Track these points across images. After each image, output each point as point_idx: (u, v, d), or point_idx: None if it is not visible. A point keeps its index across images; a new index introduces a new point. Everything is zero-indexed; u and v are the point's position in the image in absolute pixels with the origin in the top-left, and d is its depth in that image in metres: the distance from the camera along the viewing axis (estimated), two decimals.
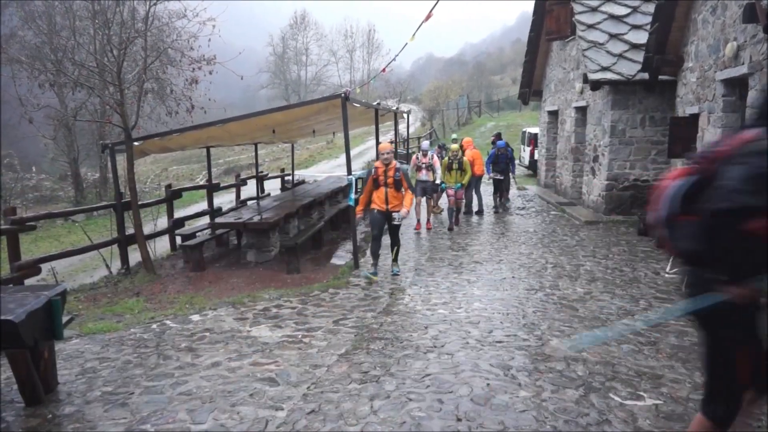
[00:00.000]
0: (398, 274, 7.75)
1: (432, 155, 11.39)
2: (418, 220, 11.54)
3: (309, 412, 3.70)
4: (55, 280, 9.42)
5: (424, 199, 11.64)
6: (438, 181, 11.36)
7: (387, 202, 7.46)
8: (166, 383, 4.23)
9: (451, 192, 11.36)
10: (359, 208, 7.67)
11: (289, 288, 7.70)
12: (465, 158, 11.29)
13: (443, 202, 13.51)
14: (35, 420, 3.66)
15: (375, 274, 7.58)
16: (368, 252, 8.61)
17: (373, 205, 7.55)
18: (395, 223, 7.49)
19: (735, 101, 8.50)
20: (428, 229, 11.50)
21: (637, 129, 11.94)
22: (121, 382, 4.29)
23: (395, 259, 7.89)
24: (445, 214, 12.80)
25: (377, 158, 8.25)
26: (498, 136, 15.23)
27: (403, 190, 7.41)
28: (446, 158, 11.32)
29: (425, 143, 11.89)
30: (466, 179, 11.39)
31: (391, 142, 13.19)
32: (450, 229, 11.27)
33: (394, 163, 7.41)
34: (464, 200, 12.21)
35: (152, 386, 4.19)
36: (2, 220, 7.64)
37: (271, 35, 67.54)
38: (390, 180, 7.40)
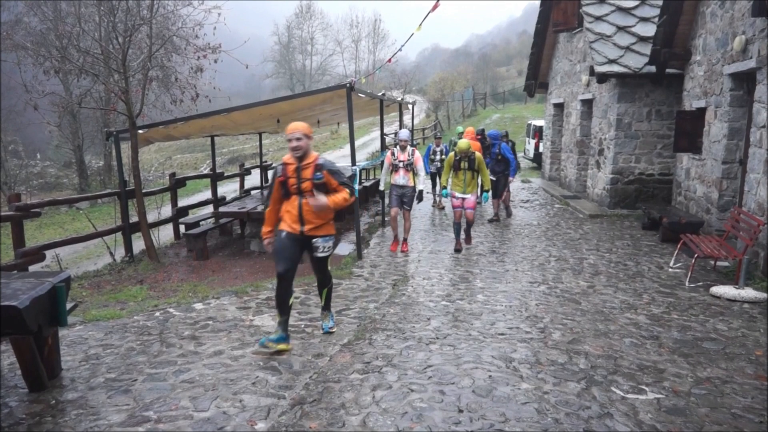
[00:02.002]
0: (333, 330, 5.13)
1: (412, 150, 8.69)
2: (395, 237, 8.97)
3: (311, 401, 3.71)
4: (59, 266, 9.47)
5: (401, 212, 8.82)
6: (420, 187, 8.68)
7: (302, 219, 4.69)
8: (169, 371, 4.25)
9: (457, 202, 8.57)
10: (265, 229, 4.97)
11: None
12: (479, 156, 8.45)
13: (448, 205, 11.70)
14: (39, 405, 3.68)
15: (282, 339, 4.62)
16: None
17: (282, 225, 4.81)
18: (319, 255, 4.81)
19: (742, 95, 8.44)
20: (403, 251, 8.76)
21: (643, 122, 11.87)
22: (125, 369, 4.31)
23: (326, 307, 5.19)
24: (440, 211, 11.64)
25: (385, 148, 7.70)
26: (482, 133, 13.58)
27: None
28: (452, 153, 8.55)
29: (403, 132, 8.89)
30: (486, 183, 8.63)
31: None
32: (457, 250, 8.70)
33: (314, 155, 4.70)
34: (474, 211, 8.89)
35: (155, 373, 4.21)
36: (7, 206, 7.65)
37: (276, 24, 67.36)
38: (307, 184, 4.62)
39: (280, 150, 37.22)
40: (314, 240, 4.78)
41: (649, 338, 4.93)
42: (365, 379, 4.04)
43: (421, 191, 8.67)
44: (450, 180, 8.68)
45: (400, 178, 8.65)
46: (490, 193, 8.91)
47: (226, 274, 8.47)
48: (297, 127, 4.62)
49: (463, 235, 8.98)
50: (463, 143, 8.34)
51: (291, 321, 5.48)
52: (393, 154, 8.74)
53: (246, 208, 9.71)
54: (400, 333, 5.07)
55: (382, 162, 8.95)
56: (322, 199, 4.61)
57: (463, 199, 8.54)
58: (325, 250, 4.84)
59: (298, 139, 4.58)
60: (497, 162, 11.20)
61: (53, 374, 4.08)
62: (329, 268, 5.06)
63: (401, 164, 8.62)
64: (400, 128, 17.04)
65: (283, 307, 4.71)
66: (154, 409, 3.62)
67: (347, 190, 4.69)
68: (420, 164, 8.62)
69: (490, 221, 11.31)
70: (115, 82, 9.69)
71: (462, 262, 8.07)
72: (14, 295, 3.42)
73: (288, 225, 4.77)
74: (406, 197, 8.66)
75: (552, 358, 4.44)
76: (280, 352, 4.58)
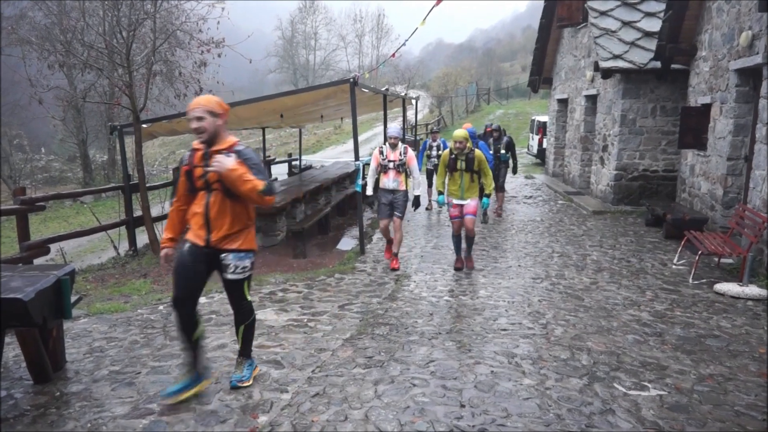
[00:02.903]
0: (241, 384, 3.80)
1: (404, 148, 7.34)
2: (389, 241, 7.65)
3: (314, 395, 3.72)
4: (63, 260, 9.50)
5: (392, 222, 7.44)
6: (417, 192, 7.46)
7: (208, 224, 3.58)
8: (173, 364, 4.26)
9: (455, 211, 7.13)
10: (165, 236, 3.80)
11: (295, 272, 7.73)
12: (478, 153, 6.99)
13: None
14: (43, 397, 3.70)
15: (188, 386, 3.63)
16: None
17: (188, 234, 3.68)
18: (230, 276, 3.67)
19: (748, 91, 8.40)
20: (393, 268, 7.40)
21: (648, 118, 11.83)
22: (128, 361, 4.33)
23: (244, 352, 3.93)
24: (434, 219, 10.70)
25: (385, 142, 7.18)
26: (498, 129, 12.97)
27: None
28: (446, 150, 7.16)
29: (393, 127, 7.59)
30: (489, 188, 7.15)
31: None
32: (457, 268, 7.31)
33: (230, 140, 3.63)
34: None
35: (159, 366, 4.23)
36: (12, 200, 7.68)
37: (279, 19, 67.21)
38: (215, 176, 3.50)
39: (283, 145, 37.25)
40: (224, 255, 3.62)
41: (652, 335, 4.93)
42: (368, 374, 4.05)
43: (417, 197, 7.48)
44: (446, 184, 7.29)
45: (390, 180, 7.30)
46: (490, 198, 7.50)
47: None
48: (198, 102, 3.53)
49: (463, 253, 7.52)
50: (458, 132, 7.00)
51: (293, 316, 5.50)
52: (381, 152, 7.36)
53: None
54: (402, 328, 5.08)
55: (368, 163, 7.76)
56: (228, 161, 3.41)
57: (462, 205, 7.12)
58: (239, 270, 3.65)
59: (199, 118, 3.47)
60: None
61: (58, 366, 4.10)
62: (248, 297, 3.81)
63: (391, 165, 7.27)
64: (404, 124, 17.00)
65: (185, 342, 3.66)
66: (157, 401, 3.63)
67: (263, 183, 3.47)
68: (414, 164, 7.37)
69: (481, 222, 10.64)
70: (119, 76, 9.71)
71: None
72: (19, 288, 3.43)
73: (193, 233, 3.61)
74: (397, 203, 7.34)
75: (554, 354, 4.44)
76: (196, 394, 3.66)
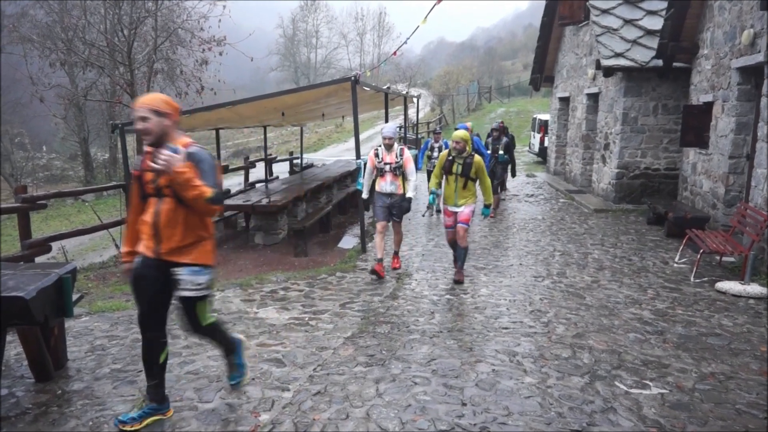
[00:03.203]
0: (241, 380, 3.68)
1: (401, 150, 6.95)
2: (379, 260, 6.95)
3: (315, 393, 3.73)
4: (65, 258, 9.51)
5: (386, 226, 7.10)
6: (410, 194, 6.88)
7: (158, 236, 3.20)
8: (174, 362, 4.27)
9: (449, 220, 6.66)
10: (124, 250, 3.46)
11: (296, 271, 7.73)
12: (477, 159, 6.44)
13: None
14: (45, 395, 3.71)
15: (148, 413, 3.32)
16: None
17: (140, 245, 3.30)
18: (183, 293, 3.21)
19: (750, 90, 8.38)
20: (395, 267, 7.35)
21: (650, 117, 11.81)
22: (130, 359, 4.34)
23: (227, 350, 3.58)
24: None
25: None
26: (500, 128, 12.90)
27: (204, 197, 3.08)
28: (445, 151, 6.68)
29: (387, 127, 7.03)
30: (488, 196, 6.62)
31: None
32: (457, 281, 6.65)
33: (183, 141, 3.27)
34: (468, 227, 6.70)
35: None
36: (13, 198, 7.69)
37: (281, 17, 67.23)
38: (165, 186, 3.15)
39: (285, 143, 37.25)
40: (176, 270, 3.19)
41: (654, 333, 4.93)
42: (369, 372, 4.05)
43: (409, 199, 6.90)
44: (443, 186, 6.78)
45: (387, 184, 6.93)
46: (488, 206, 6.74)
47: (230, 267, 8.49)
48: (142, 101, 3.17)
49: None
50: (458, 132, 6.48)
51: (295, 314, 5.51)
52: (377, 155, 6.95)
53: (251, 201, 9.72)
54: (403, 326, 5.08)
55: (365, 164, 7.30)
56: (175, 160, 2.99)
57: (455, 213, 6.58)
58: (194, 287, 3.20)
59: (143, 118, 3.13)
60: None
61: (59, 365, 4.11)
62: (208, 320, 3.33)
63: (388, 168, 6.89)
64: (405, 122, 16.96)
65: (150, 367, 3.34)
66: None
67: (211, 191, 3.07)
68: (410, 167, 6.90)
69: None
70: (120, 74, 9.72)
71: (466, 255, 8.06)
72: (21, 286, 3.43)
73: (143, 244, 3.24)
74: (396, 207, 6.99)
75: (556, 352, 4.44)
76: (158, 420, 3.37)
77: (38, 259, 7.46)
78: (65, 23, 13.31)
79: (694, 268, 6.94)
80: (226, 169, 14.10)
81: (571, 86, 15.75)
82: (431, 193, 6.95)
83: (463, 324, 5.14)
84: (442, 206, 6.87)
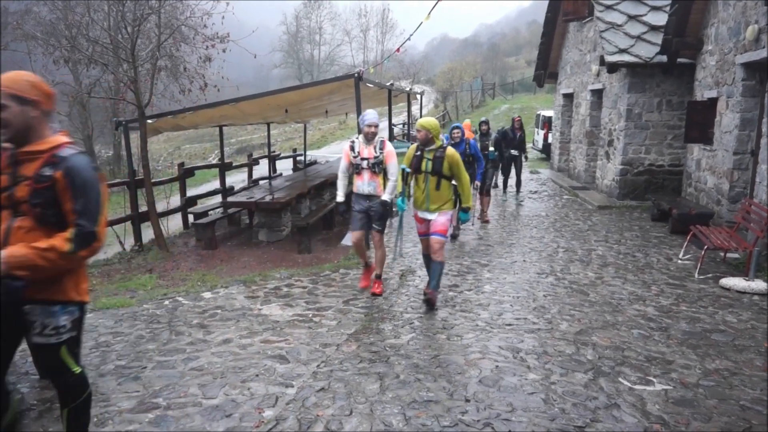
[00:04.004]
0: None
1: (381, 142, 5.80)
2: (365, 264, 6.24)
3: (318, 389, 3.73)
4: None
5: (362, 237, 6.00)
6: (386, 196, 5.76)
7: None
8: (178, 358, 4.28)
9: (421, 227, 5.60)
10: None
11: (300, 268, 7.75)
12: (450, 152, 5.32)
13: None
14: (50, 392, 3.72)
15: None
16: None
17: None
18: (36, 339, 2.50)
19: (755, 85, 8.34)
20: (376, 293, 5.98)
21: (654, 113, 11.77)
22: (134, 356, 4.35)
23: None
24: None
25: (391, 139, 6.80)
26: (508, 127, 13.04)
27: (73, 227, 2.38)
28: (413, 145, 5.56)
29: (369, 114, 5.81)
30: (467, 197, 5.46)
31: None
32: (429, 301, 5.43)
33: (54, 139, 2.48)
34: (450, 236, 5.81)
35: (164, 361, 4.25)
36: None
37: (284, 13, 67.24)
38: (22, 191, 2.40)
39: (288, 140, 37.26)
40: (27, 308, 2.45)
41: (658, 330, 4.92)
42: (372, 368, 4.06)
43: (384, 203, 5.77)
44: (413, 188, 5.58)
45: (365, 184, 5.80)
46: (470, 213, 5.89)
47: (234, 264, 8.51)
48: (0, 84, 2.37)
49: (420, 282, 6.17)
50: (425, 120, 5.36)
51: (298, 311, 5.51)
52: (353, 148, 5.81)
53: (254, 198, 9.74)
54: (407, 323, 5.08)
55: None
56: (16, 252, 2.29)
57: (427, 221, 5.48)
58: (49, 332, 2.47)
59: (1, 106, 2.36)
60: (464, 164, 8.49)
61: None
62: (72, 367, 2.58)
63: (365, 164, 5.74)
64: (408, 119, 16.90)
65: None
66: (163, 396, 3.66)
67: (73, 232, 2.36)
68: (392, 162, 5.75)
69: (453, 237, 8.69)
70: (124, 71, 9.72)
71: (469, 252, 8.06)
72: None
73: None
74: (375, 212, 5.82)
75: (559, 348, 4.44)
76: None
77: None
78: (69, 20, 13.32)
79: (699, 265, 6.92)
80: (229, 166, 14.11)
81: (575, 82, 15.70)
82: (399, 195, 5.68)
83: (466, 320, 5.14)
84: (413, 210, 5.70)
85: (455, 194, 5.63)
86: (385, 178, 5.82)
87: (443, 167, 5.29)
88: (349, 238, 5.86)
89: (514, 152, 12.88)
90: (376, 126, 5.77)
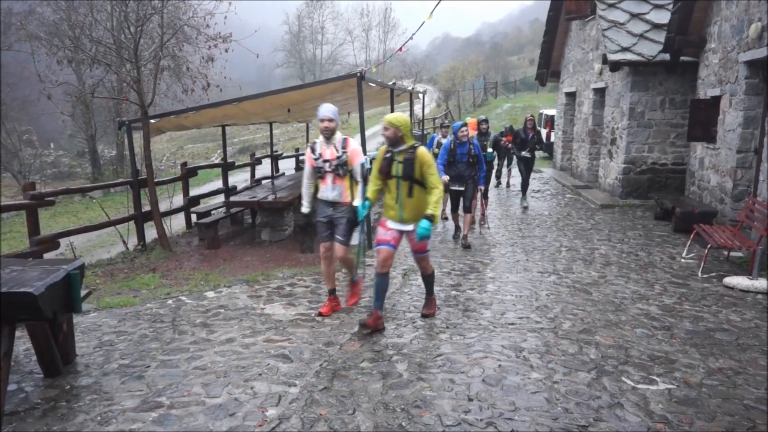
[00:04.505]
0: None
1: (344, 141, 5.07)
2: (331, 292, 5.42)
3: (321, 388, 3.74)
4: (73, 254, 9.56)
5: (330, 248, 5.32)
6: (357, 201, 5.06)
7: None
8: (182, 357, 4.29)
9: (386, 235, 4.80)
10: None
11: (302, 267, 7.75)
12: (421, 153, 4.63)
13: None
14: (54, 391, 3.74)
15: None
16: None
17: None
18: None
19: (758, 83, 8.32)
20: (351, 303, 5.60)
21: (657, 111, 11.74)
22: (138, 355, 4.36)
23: None
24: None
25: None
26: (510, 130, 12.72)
27: None
28: (382, 148, 4.84)
29: (324, 108, 5.05)
30: (435, 203, 4.56)
31: None
32: (368, 325, 4.70)
33: None
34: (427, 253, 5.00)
35: (168, 360, 4.25)
36: (22, 195, 7.74)
37: (286, 13, 67.28)
38: None
39: (290, 140, 37.29)
40: None
41: (661, 329, 4.91)
42: (375, 368, 4.06)
43: (354, 209, 5.05)
44: (384, 194, 4.91)
45: (329, 189, 5.11)
46: (436, 220, 4.58)
47: (237, 263, 8.52)
48: None
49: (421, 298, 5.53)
50: (393, 116, 4.70)
51: (301, 310, 5.52)
52: (313, 150, 5.13)
53: (257, 198, 9.74)
54: (410, 322, 5.08)
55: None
56: None
57: (401, 232, 4.80)
58: None
59: None
60: (467, 165, 8.13)
61: (68, 360, 4.13)
62: None
63: (327, 166, 5.05)
64: (411, 118, 16.88)
65: None
66: (166, 394, 3.66)
67: None
68: (359, 161, 5.07)
69: (465, 246, 8.22)
70: (127, 71, 9.74)
71: (472, 252, 8.05)
72: (30, 282, 3.46)
73: None
74: (338, 221, 5.14)
75: (562, 348, 4.43)
76: None
77: (47, 256, 7.51)
78: (72, 21, 13.36)
79: (702, 263, 6.91)
80: (232, 166, 14.12)
81: (578, 81, 15.68)
82: (366, 199, 4.91)
83: (469, 320, 5.13)
84: (383, 220, 4.93)
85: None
86: (353, 181, 5.12)
87: (414, 171, 4.64)
88: (353, 238, 5.29)
89: (526, 154, 11.86)
90: (331, 120, 5.00)
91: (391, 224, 4.82)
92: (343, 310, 5.48)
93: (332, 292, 5.43)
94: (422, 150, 4.67)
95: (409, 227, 4.76)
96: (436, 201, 4.58)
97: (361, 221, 5.05)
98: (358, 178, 5.11)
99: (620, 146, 12.16)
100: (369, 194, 4.91)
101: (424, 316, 5.15)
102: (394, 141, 4.68)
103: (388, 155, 4.74)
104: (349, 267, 5.48)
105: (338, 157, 5.03)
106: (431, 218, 4.51)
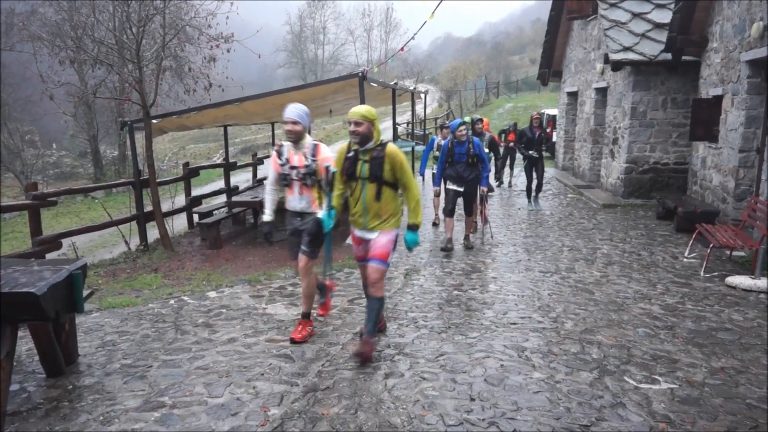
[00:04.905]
0: None
1: (314, 146, 4.54)
2: (305, 315, 4.78)
3: (324, 388, 3.74)
4: (75, 254, 9.58)
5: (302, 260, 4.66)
6: (320, 213, 4.46)
7: None
8: (184, 357, 4.30)
9: (359, 250, 4.44)
10: None
11: None
12: (391, 151, 4.06)
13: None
14: (56, 391, 3.75)
15: None
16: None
17: None
18: None
19: (760, 83, 8.30)
20: (321, 315, 5.27)
21: (659, 111, 11.73)
22: (140, 355, 4.37)
23: None
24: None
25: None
26: (514, 128, 13.00)
27: None
28: (344, 145, 4.23)
29: (290, 109, 4.48)
30: (415, 211, 4.16)
31: None
32: (361, 354, 4.11)
33: None
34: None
35: (170, 360, 4.26)
36: (24, 195, 7.76)
37: (288, 13, 67.32)
38: None
39: None
40: None
41: (663, 328, 4.90)
42: (377, 367, 4.06)
43: (319, 221, 4.45)
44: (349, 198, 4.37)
45: (296, 199, 4.62)
46: (415, 226, 4.18)
47: (239, 263, 8.53)
48: None
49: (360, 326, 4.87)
50: (363, 109, 4.08)
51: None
52: (280, 154, 4.60)
53: (259, 198, 9.75)
54: (412, 322, 5.09)
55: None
56: None
57: (365, 241, 4.30)
58: None
59: None
60: (467, 165, 7.82)
61: (70, 360, 4.14)
62: None
63: (294, 174, 4.53)
64: (413, 118, 16.86)
65: None
66: (169, 394, 3.67)
67: None
68: (327, 160, 4.45)
69: (467, 247, 8.10)
70: (129, 72, 9.76)
71: (473, 252, 8.05)
72: (32, 282, 3.46)
73: None
74: (308, 232, 4.58)
75: (564, 347, 4.43)
76: None
77: (49, 256, 7.52)
78: (74, 21, 13.40)
79: (704, 263, 6.90)
80: (234, 166, 14.13)
81: (580, 81, 15.66)
82: (331, 208, 4.37)
83: (471, 319, 5.13)
84: (352, 229, 4.45)
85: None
86: (321, 191, 4.56)
87: (383, 171, 4.06)
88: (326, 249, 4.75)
89: (533, 153, 11.35)
90: (295, 123, 4.42)
91: (357, 234, 4.35)
92: (344, 310, 5.48)
93: (306, 315, 4.74)
94: (392, 147, 4.13)
95: (374, 235, 4.18)
96: (414, 207, 4.14)
97: (328, 233, 4.46)
98: (324, 185, 4.46)
99: (622, 146, 12.15)
100: (333, 201, 4.38)
101: (356, 355, 4.14)
102: (364, 138, 4.06)
103: (351, 154, 4.15)
104: (309, 285, 4.71)
105: (306, 166, 4.48)
106: (415, 227, 4.16)
